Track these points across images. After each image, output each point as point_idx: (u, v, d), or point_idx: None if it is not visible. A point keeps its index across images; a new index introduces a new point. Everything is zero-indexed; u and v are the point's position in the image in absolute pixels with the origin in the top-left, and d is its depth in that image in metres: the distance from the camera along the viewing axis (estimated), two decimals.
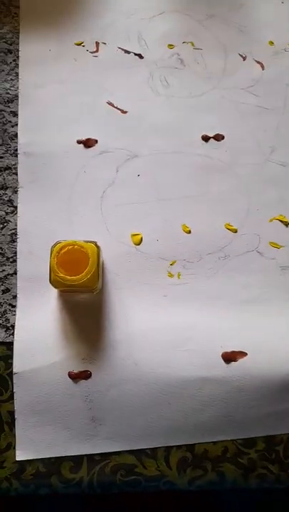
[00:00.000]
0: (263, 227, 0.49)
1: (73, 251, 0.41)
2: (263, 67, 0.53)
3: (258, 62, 0.53)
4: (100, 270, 0.42)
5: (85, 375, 0.43)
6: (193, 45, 0.53)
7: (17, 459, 0.42)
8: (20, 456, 0.42)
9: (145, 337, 0.44)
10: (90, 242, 0.42)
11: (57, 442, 0.43)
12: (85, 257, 0.41)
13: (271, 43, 0.53)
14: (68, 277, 0.40)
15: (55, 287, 0.42)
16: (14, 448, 0.43)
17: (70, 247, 0.41)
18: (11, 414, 0.43)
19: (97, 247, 0.42)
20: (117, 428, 0.43)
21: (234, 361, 0.44)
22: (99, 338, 0.44)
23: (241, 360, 0.44)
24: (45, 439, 0.43)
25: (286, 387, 0.44)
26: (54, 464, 0.43)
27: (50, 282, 0.42)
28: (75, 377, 0.43)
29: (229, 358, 0.44)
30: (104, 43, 0.53)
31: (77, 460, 0.43)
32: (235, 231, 0.48)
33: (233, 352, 0.44)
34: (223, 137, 0.50)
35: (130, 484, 0.43)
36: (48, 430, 0.43)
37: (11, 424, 0.43)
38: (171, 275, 0.47)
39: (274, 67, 0.53)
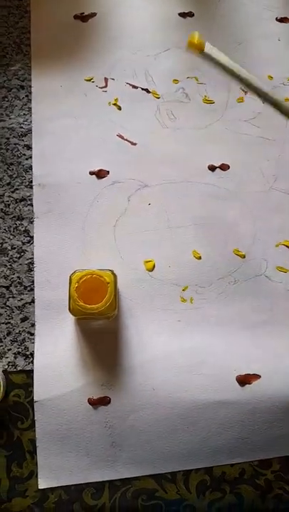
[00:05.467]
0: (270, 253, 0.51)
1: (92, 280, 0.43)
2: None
3: None
4: (117, 297, 0.44)
5: (104, 401, 0.44)
6: (197, 80, 0.56)
7: (39, 488, 0.43)
8: (42, 484, 0.43)
9: (161, 362, 0.46)
10: (107, 270, 0.44)
11: (78, 469, 0.43)
12: (103, 285, 0.42)
13: (270, 77, 0.57)
14: (88, 306, 0.42)
15: (74, 315, 0.44)
16: (36, 476, 0.43)
17: (89, 276, 0.43)
18: (33, 442, 0.44)
19: (114, 275, 0.44)
20: (137, 453, 0.44)
21: (248, 384, 0.45)
22: (116, 363, 0.46)
23: (255, 383, 0.45)
24: (67, 466, 0.43)
25: None
26: (76, 491, 0.43)
27: (70, 311, 0.43)
28: (95, 403, 0.44)
29: (243, 381, 0.45)
30: (113, 79, 0.55)
31: (98, 486, 0.43)
32: (244, 256, 0.50)
33: (247, 375, 0.45)
34: (228, 167, 0.53)
35: (151, 509, 0.43)
36: (69, 457, 0.43)
37: (33, 452, 0.44)
38: (184, 300, 0.48)
39: None
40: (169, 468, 0.44)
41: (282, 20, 0.59)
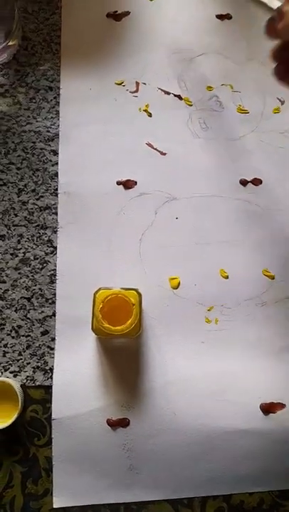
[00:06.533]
0: None
1: (116, 299, 0.41)
2: None
3: None
4: (141, 318, 0.42)
5: (123, 423, 0.43)
6: (232, 87, 0.53)
7: (54, 507, 0.42)
8: (57, 503, 0.42)
9: (183, 385, 0.44)
10: (132, 289, 0.42)
11: (94, 490, 0.42)
12: (128, 306, 0.41)
13: None
14: (112, 328, 0.40)
15: (97, 335, 0.42)
16: (51, 495, 0.43)
17: (114, 295, 0.41)
18: (49, 460, 0.43)
19: (139, 294, 0.42)
20: (154, 477, 0.43)
21: (273, 413, 0.44)
22: (137, 384, 0.44)
23: (279, 412, 0.44)
24: (83, 486, 0.42)
25: None
26: (91, 511, 0.42)
27: (93, 330, 0.42)
28: (114, 424, 0.43)
29: (268, 409, 0.44)
30: (144, 83, 0.53)
31: (114, 508, 0.43)
32: (273, 278, 0.48)
33: (271, 403, 0.44)
34: (261, 182, 0.51)
35: None
36: (85, 477, 0.43)
37: (49, 470, 0.43)
38: (208, 321, 0.47)
39: None
40: (187, 494, 0.43)
41: None
